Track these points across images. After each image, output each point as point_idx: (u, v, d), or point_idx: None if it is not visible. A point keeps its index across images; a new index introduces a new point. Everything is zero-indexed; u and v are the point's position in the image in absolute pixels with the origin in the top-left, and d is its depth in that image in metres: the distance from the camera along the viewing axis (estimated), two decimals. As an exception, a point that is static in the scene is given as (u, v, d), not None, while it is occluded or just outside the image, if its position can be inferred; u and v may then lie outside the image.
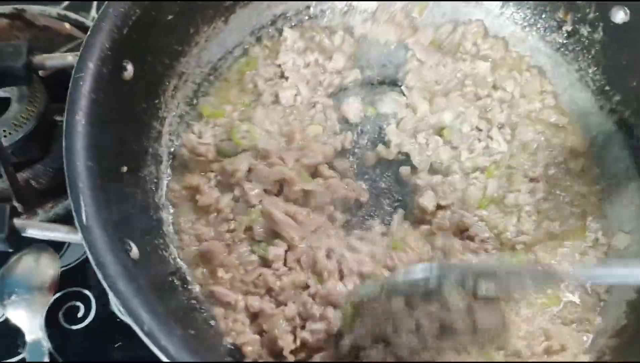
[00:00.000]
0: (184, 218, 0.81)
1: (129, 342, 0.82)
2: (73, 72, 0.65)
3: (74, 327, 0.83)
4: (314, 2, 0.99)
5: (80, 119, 0.63)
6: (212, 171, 0.84)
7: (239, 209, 0.80)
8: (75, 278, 0.86)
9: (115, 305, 0.79)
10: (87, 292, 0.86)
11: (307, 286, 0.74)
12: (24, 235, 0.60)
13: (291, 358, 0.69)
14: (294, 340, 0.70)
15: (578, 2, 0.88)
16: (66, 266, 0.87)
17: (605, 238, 0.82)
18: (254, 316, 0.73)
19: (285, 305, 0.72)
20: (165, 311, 0.58)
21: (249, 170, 0.81)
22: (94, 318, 0.84)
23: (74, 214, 0.58)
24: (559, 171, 0.88)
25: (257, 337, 0.71)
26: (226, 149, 0.86)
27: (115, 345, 0.82)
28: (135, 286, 0.56)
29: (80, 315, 0.84)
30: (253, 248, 0.77)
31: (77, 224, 0.58)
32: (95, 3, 1.10)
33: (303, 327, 0.71)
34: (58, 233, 0.61)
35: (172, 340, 0.54)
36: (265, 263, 0.76)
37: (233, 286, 0.74)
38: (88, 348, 0.82)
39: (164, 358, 0.53)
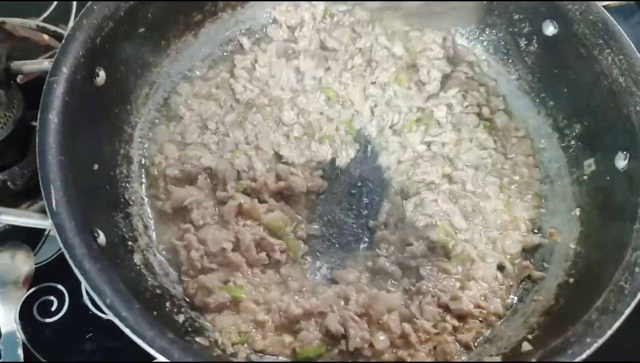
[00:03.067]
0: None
1: (100, 334, 0.86)
2: (47, 76, 0.72)
3: (48, 320, 0.87)
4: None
5: (53, 118, 0.69)
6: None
7: None
8: (50, 274, 0.90)
9: (84, 288, 0.85)
10: (60, 287, 0.90)
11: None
12: (-4, 221, 0.65)
13: None
14: None
15: (514, 17, 0.98)
16: (41, 262, 0.92)
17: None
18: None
19: None
20: (128, 289, 0.63)
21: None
22: (66, 312, 0.88)
23: (44, 201, 0.64)
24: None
25: None
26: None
27: (87, 337, 0.86)
28: (100, 266, 0.62)
29: (53, 308, 0.88)
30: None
31: (47, 210, 0.63)
32: (72, 15, 1.16)
33: None
34: (30, 219, 0.66)
35: (132, 312, 0.59)
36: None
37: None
38: (60, 339, 0.86)
39: (124, 329, 0.59)
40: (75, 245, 0.62)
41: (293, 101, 0.98)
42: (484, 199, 0.91)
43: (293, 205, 0.90)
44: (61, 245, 0.62)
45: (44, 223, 0.65)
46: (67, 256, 0.61)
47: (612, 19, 0.85)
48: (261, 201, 0.88)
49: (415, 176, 0.93)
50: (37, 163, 0.66)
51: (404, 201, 0.91)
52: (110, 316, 0.59)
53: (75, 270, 0.61)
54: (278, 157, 0.94)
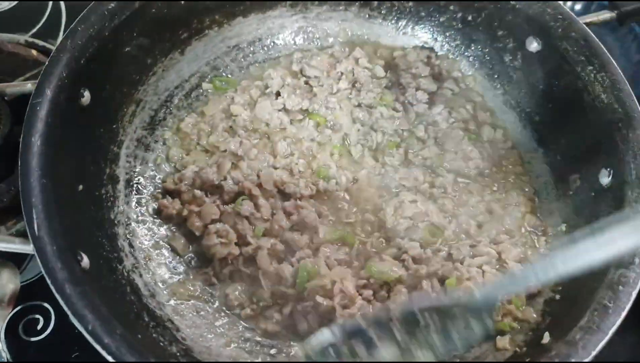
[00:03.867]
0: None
1: (86, 353, 0.86)
2: (31, 98, 0.72)
3: (33, 339, 0.87)
4: (265, 34, 1.08)
5: (36, 141, 0.69)
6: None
7: None
8: (36, 292, 0.90)
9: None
10: (46, 305, 0.89)
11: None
12: (-21, 246, 0.65)
13: None
14: None
15: (499, 33, 0.98)
16: (26, 281, 0.91)
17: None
18: None
19: None
20: (111, 314, 0.63)
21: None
22: (52, 331, 0.87)
23: (26, 226, 0.63)
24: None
25: None
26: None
27: (73, 356, 0.86)
28: (81, 290, 0.61)
29: (39, 327, 0.88)
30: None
31: (29, 235, 0.63)
32: (61, 31, 1.16)
33: None
34: (12, 244, 0.66)
35: (113, 338, 0.59)
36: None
37: None
38: (46, 359, 0.85)
39: (107, 357, 0.58)
40: (57, 269, 0.62)
41: (282, 133, 0.98)
42: (464, 204, 0.91)
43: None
44: (42, 269, 0.62)
45: (25, 247, 0.65)
46: (48, 281, 0.61)
47: (593, 36, 0.86)
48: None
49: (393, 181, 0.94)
50: (19, 186, 0.66)
51: (383, 204, 0.91)
52: (92, 342, 0.59)
53: (57, 295, 0.61)
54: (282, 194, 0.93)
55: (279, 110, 0.99)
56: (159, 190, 0.92)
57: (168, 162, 0.95)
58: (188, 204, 0.89)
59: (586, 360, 0.61)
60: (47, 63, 0.75)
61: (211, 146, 0.96)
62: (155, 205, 0.91)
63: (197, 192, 0.90)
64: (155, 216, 0.90)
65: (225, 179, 0.92)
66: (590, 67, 0.84)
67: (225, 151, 0.95)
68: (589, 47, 0.85)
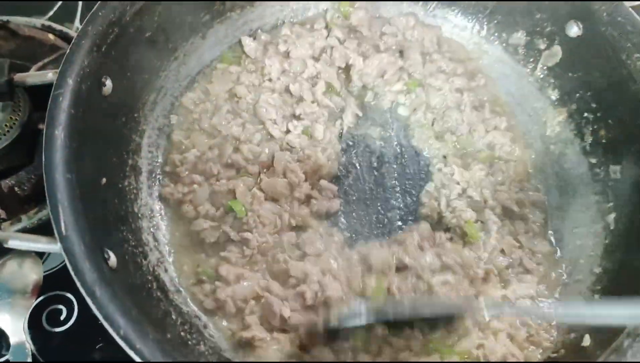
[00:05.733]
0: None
1: (110, 344, 0.84)
2: (53, 89, 0.69)
3: (57, 329, 0.86)
4: (289, 16, 1.04)
5: (60, 134, 0.66)
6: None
7: None
8: (58, 282, 0.88)
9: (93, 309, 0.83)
10: (69, 296, 0.88)
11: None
12: (5, 246, 0.63)
13: None
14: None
15: (536, 16, 0.93)
16: (49, 270, 0.90)
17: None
18: None
19: None
20: (141, 315, 0.61)
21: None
22: (75, 321, 0.87)
23: (53, 224, 0.61)
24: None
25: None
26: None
27: (97, 347, 0.85)
28: (112, 293, 0.60)
29: (62, 317, 0.87)
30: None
31: (56, 234, 0.61)
32: (79, 14, 1.13)
33: None
34: (39, 244, 0.64)
35: (146, 343, 0.57)
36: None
37: None
38: (70, 349, 0.85)
39: (137, 359, 0.57)
40: (86, 270, 0.60)
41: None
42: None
43: None
44: (71, 272, 0.60)
45: (53, 247, 0.63)
46: (77, 283, 0.59)
47: (642, 21, 0.81)
48: None
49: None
50: (45, 182, 0.64)
51: None
52: (124, 347, 0.57)
53: (87, 298, 0.59)
54: None
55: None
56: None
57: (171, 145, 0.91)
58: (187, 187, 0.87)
59: (634, 369, 0.59)
60: (67, 51, 0.72)
61: (213, 128, 0.92)
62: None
63: (196, 177, 0.87)
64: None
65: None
66: (638, 55, 0.79)
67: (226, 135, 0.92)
68: (637, 33, 0.80)
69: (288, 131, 0.93)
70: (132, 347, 0.56)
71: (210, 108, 0.94)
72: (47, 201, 0.63)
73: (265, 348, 0.74)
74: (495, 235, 0.84)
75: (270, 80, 0.96)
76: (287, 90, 0.96)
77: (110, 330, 0.57)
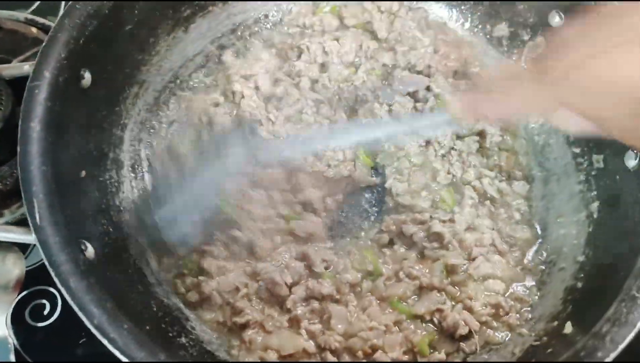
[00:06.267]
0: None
1: (94, 339, 0.84)
2: (28, 81, 0.68)
3: (40, 324, 0.85)
4: (272, 10, 1.03)
5: (35, 126, 0.66)
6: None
7: None
8: (41, 277, 0.87)
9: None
10: (52, 290, 0.87)
11: None
12: (-21, 236, 0.63)
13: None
14: None
15: (519, 7, 0.93)
16: (32, 265, 0.89)
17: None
18: None
19: None
20: (117, 306, 0.61)
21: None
22: (59, 316, 0.86)
23: (27, 216, 0.61)
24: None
25: None
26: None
27: (80, 342, 0.84)
28: (86, 283, 0.59)
29: (46, 312, 0.86)
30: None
31: (30, 225, 0.61)
32: (62, 8, 1.11)
33: None
34: (13, 234, 0.64)
35: (120, 332, 0.57)
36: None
37: None
38: (53, 344, 0.84)
39: (113, 350, 0.56)
40: (60, 261, 0.59)
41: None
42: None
43: None
44: (46, 262, 0.59)
45: (27, 238, 0.63)
46: (52, 274, 0.59)
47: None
48: None
49: None
50: (19, 174, 0.63)
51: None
52: (98, 336, 0.57)
53: (61, 289, 0.58)
54: None
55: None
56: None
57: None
58: None
59: (613, 354, 0.58)
60: (44, 44, 0.72)
61: None
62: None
63: None
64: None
65: None
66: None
67: None
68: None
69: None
70: (105, 336, 0.56)
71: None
72: (22, 194, 0.63)
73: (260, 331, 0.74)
74: (469, 209, 0.85)
75: None
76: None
77: (85, 320, 0.57)
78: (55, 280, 0.59)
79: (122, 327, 0.58)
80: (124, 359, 0.56)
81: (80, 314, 0.57)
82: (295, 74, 0.97)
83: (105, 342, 0.56)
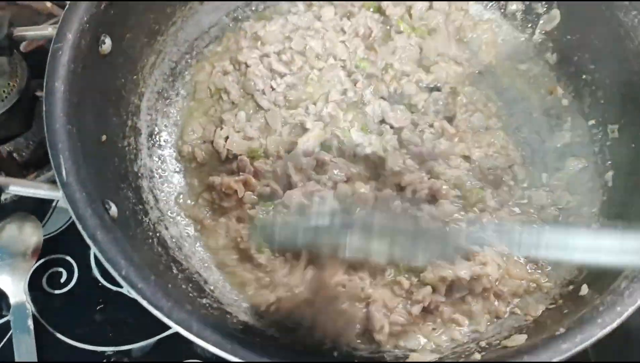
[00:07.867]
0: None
1: (110, 305, 0.86)
2: (52, 42, 0.69)
3: (57, 292, 0.87)
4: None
5: (60, 86, 0.67)
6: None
7: None
8: (58, 246, 0.89)
9: (94, 260, 0.86)
10: (69, 259, 0.89)
11: None
12: (7, 192, 0.63)
13: None
14: None
15: (534, -20, 0.94)
16: (49, 234, 0.90)
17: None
18: None
19: None
20: (142, 262, 0.62)
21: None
22: (76, 284, 0.87)
23: (54, 171, 0.62)
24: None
25: None
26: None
27: (97, 308, 0.86)
28: (113, 237, 0.60)
29: (62, 280, 0.88)
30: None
31: (57, 180, 0.61)
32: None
33: None
34: (40, 190, 0.64)
35: (148, 283, 0.58)
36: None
37: None
38: (70, 311, 0.85)
39: (141, 300, 0.57)
40: (87, 216, 0.60)
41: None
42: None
43: None
44: (73, 216, 0.60)
45: (54, 193, 0.63)
46: (79, 227, 0.59)
47: (638, -23, 0.81)
48: None
49: None
50: (45, 132, 0.64)
51: None
52: (126, 287, 0.57)
53: (89, 241, 0.59)
54: None
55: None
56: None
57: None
58: None
59: (632, 308, 0.59)
60: (67, 7, 0.72)
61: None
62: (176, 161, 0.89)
63: None
64: (177, 171, 0.89)
65: None
66: (635, 12, 0.80)
67: None
68: (633, -10, 0.80)
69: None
70: (133, 286, 0.57)
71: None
72: (49, 150, 0.63)
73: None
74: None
75: None
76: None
77: (112, 271, 0.58)
78: (83, 233, 0.59)
79: (150, 277, 0.58)
80: (151, 309, 0.56)
81: (107, 265, 0.58)
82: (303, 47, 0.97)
83: (133, 292, 0.57)
